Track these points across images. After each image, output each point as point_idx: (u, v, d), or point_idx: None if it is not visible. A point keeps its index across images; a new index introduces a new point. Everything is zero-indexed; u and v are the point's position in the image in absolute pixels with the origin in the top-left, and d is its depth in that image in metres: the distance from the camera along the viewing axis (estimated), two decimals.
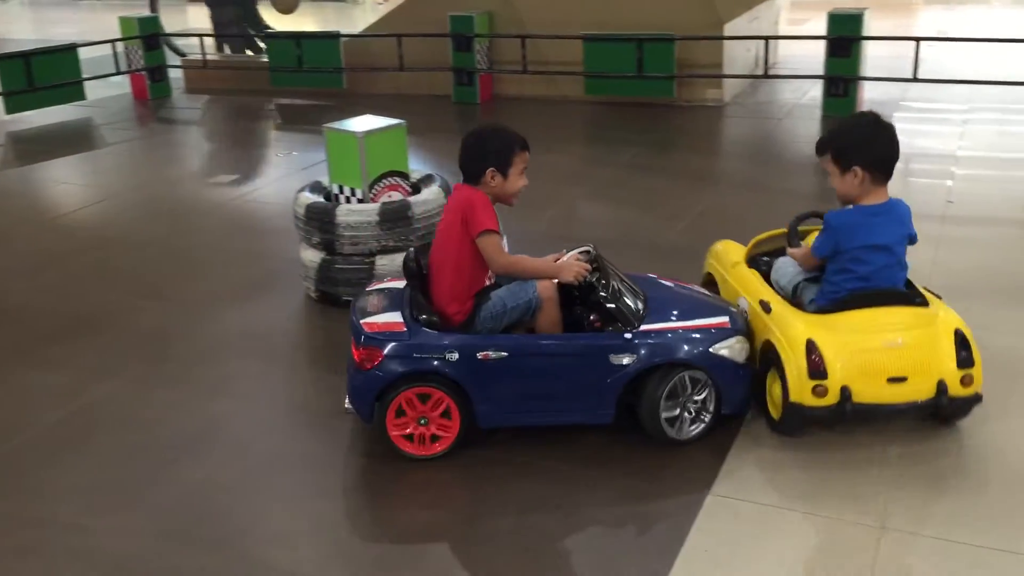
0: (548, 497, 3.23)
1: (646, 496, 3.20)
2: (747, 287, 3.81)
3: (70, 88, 9.67)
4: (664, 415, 3.40)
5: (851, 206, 3.51)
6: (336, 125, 4.80)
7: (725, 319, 3.53)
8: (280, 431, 3.72)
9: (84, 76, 9.81)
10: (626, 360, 3.35)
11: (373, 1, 11.67)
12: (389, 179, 4.79)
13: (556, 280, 3.47)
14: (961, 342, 3.36)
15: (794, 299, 3.66)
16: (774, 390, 3.47)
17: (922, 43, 8.14)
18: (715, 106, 8.91)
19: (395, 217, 4.62)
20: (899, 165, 7.32)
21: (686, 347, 3.38)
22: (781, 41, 10.40)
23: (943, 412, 3.36)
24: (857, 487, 3.17)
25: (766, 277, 3.85)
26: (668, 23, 8.66)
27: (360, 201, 4.72)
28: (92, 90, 10.03)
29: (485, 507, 3.23)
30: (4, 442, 3.68)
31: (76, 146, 8.78)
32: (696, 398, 3.43)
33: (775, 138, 7.99)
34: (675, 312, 3.53)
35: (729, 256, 4.11)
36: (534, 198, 6.61)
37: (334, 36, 10.05)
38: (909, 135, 7.64)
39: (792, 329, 3.41)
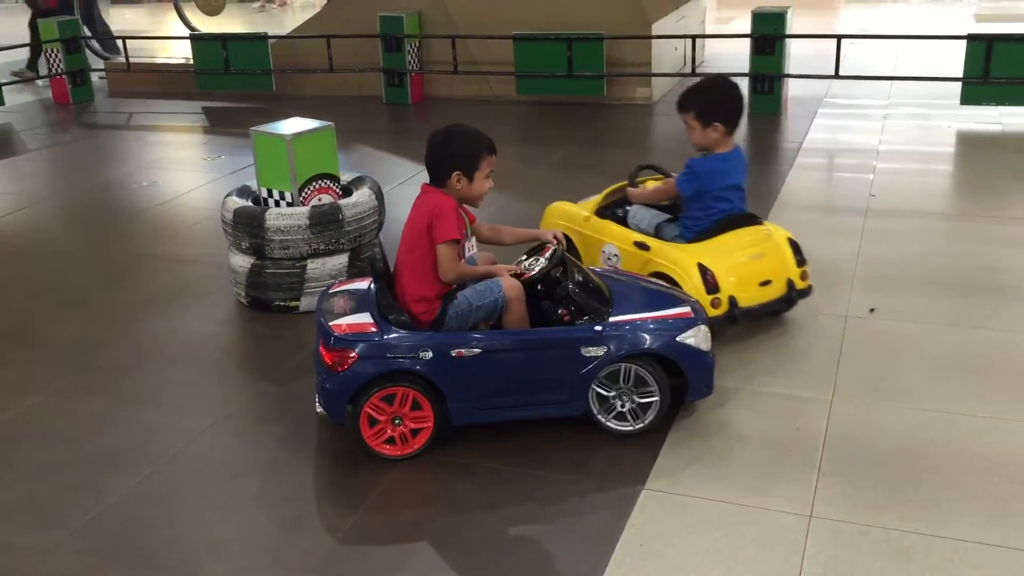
0: (483, 497, 3.24)
1: (580, 493, 3.22)
2: (611, 234, 4.38)
3: None
4: (598, 390, 3.46)
5: (708, 154, 4.18)
6: (264, 128, 4.73)
7: (687, 309, 3.62)
8: (210, 440, 3.66)
9: (1, 80, 9.52)
10: (599, 352, 3.40)
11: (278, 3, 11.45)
12: (319, 182, 4.74)
13: (522, 278, 3.54)
14: (795, 248, 4.22)
15: (656, 237, 4.29)
16: None
17: (843, 40, 8.33)
18: (644, 104, 9.01)
19: (326, 220, 4.58)
20: (823, 160, 7.52)
21: (654, 337, 3.46)
22: (708, 40, 10.55)
23: (793, 302, 4.20)
24: (786, 477, 3.23)
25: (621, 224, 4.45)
26: (597, 22, 8.73)
27: (289, 205, 4.66)
28: (10, 95, 9.74)
29: (422, 510, 3.22)
30: None
31: None
32: (637, 399, 3.48)
33: None
34: (638, 303, 3.61)
35: (577, 212, 4.60)
36: None
37: (262, 37, 9.91)
38: (832, 130, 7.84)
39: (682, 258, 4.05)
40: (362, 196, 4.77)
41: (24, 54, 10.05)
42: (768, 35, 8.25)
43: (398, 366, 3.33)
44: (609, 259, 4.31)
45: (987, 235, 5.39)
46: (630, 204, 4.52)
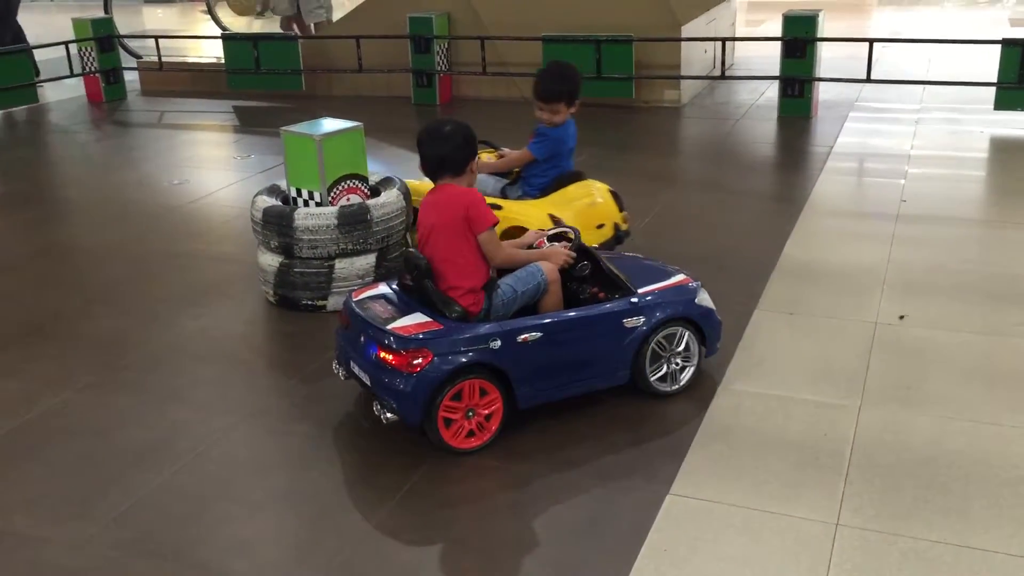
0: (508, 499, 3.24)
1: (606, 497, 3.22)
2: None
3: (23, 90, 9.51)
4: (652, 378, 3.74)
5: (553, 125, 4.75)
6: (293, 128, 4.76)
7: (683, 276, 3.94)
8: (238, 437, 3.69)
9: (37, 79, 9.66)
10: (638, 322, 3.65)
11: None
12: (347, 182, 4.76)
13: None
14: (616, 197, 4.89)
15: (502, 199, 4.85)
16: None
17: (876, 44, 8.26)
18: (673, 107, 8.98)
19: (354, 220, 4.60)
20: (854, 165, 7.45)
21: (679, 303, 3.78)
22: (738, 43, 10.50)
23: (620, 241, 4.82)
24: (813, 485, 3.21)
25: None
26: (626, 25, 8.71)
27: (318, 204, 4.69)
28: (45, 92, 9.87)
29: (448, 511, 3.22)
30: None
31: (29, 149, 8.63)
32: (678, 350, 3.78)
33: (732, 139, 8.07)
34: (647, 277, 3.86)
35: (427, 187, 4.92)
36: None
37: (292, 38, 9.97)
38: (863, 135, 7.77)
39: (534, 211, 4.62)
40: (390, 197, 4.79)
41: (53, 53, 10.18)
42: (799, 38, 8.20)
43: (471, 358, 3.39)
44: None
45: (1020, 242, 5.32)
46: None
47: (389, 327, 3.44)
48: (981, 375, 3.88)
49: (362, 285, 4.42)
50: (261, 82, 9.99)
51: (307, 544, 3.06)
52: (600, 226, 4.73)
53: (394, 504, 3.23)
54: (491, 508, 3.21)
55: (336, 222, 4.57)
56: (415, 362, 3.33)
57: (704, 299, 3.88)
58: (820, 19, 8.26)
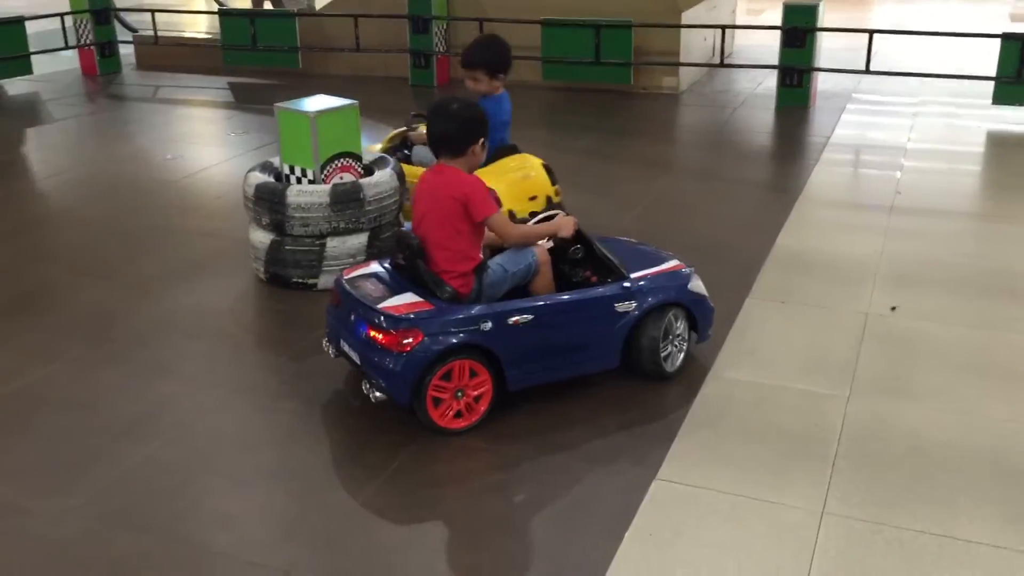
0: (495, 480, 3.24)
1: (592, 481, 3.21)
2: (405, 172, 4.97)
3: (17, 62, 9.43)
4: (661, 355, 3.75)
5: (488, 96, 4.81)
6: (288, 105, 4.73)
7: (676, 262, 3.95)
8: (224, 413, 3.67)
9: (32, 50, 9.58)
10: (629, 306, 3.64)
11: None
12: (341, 160, 4.73)
13: (547, 244, 3.75)
14: (549, 171, 4.89)
15: None
16: None
17: (875, 36, 8.23)
18: (671, 94, 8.94)
19: (346, 199, 4.58)
20: (850, 156, 7.43)
21: (672, 289, 3.78)
22: (738, 31, 10.46)
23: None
24: (800, 473, 3.21)
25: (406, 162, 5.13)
26: (626, 10, 8.66)
27: (311, 182, 4.66)
28: (40, 64, 9.79)
29: (435, 490, 3.22)
30: None
31: (22, 121, 8.57)
32: (678, 332, 3.81)
33: (729, 127, 8.05)
34: (639, 261, 3.86)
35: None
36: None
37: (289, 15, 9.91)
38: (860, 127, 7.76)
39: None
40: (383, 176, 4.76)
41: (48, 25, 10.08)
42: (799, 28, 8.17)
43: (461, 340, 3.37)
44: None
45: (1015, 237, 5.32)
46: (409, 148, 5.27)
47: (380, 306, 3.42)
48: (972, 368, 3.88)
49: (353, 264, 4.40)
50: (257, 59, 9.93)
51: (293, 520, 3.05)
52: (533, 198, 4.78)
53: (381, 482, 3.22)
54: (478, 488, 3.20)
55: (328, 200, 4.55)
56: (405, 342, 3.31)
57: (697, 285, 3.88)
58: (820, 9, 8.23)
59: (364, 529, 3.00)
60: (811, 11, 8.15)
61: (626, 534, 2.92)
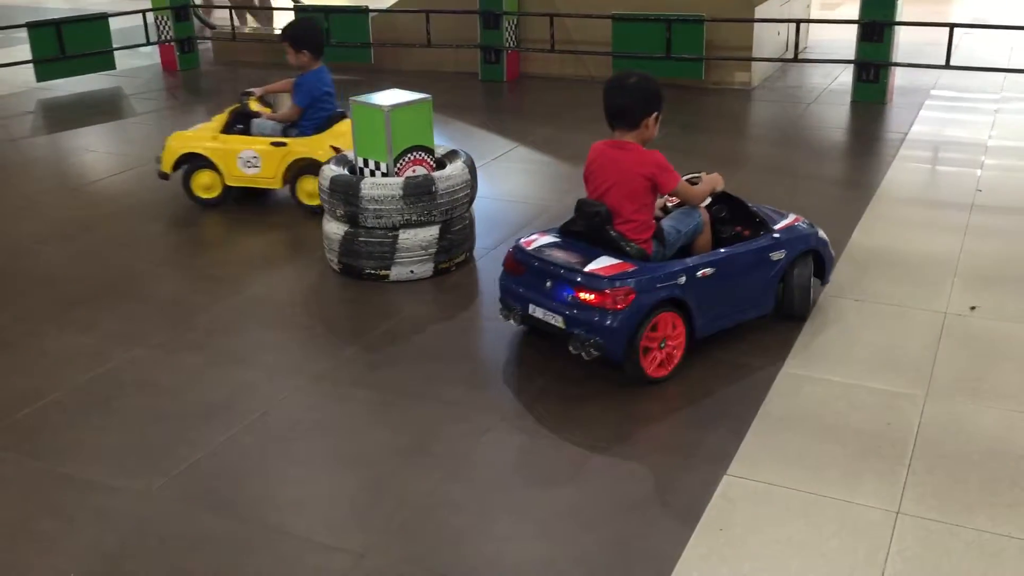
0: (566, 470, 3.26)
1: (663, 474, 3.22)
2: (245, 143, 5.71)
3: (100, 57, 9.73)
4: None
5: (305, 72, 5.69)
6: (362, 98, 4.80)
7: (794, 215, 4.27)
8: (300, 400, 3.75)
9: (115, 46, 9.87)
10: (781, 255, 4.01)
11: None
12: (414, 153, 4.79)
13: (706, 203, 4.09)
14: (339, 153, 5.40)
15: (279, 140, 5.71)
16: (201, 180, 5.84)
17: (956, 30, 8.02)
18: (743, 89, 8.84)
19: (419, 192, 4.63)
20: (928, 153, 7.24)
21: (808, 236, 4.18)
22: (812, 25, 10.29)
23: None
24: (874, 472, 3.17)
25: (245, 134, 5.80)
26: (698, 4, 8.59)
27: (384, 175, 4.73)
28: (122, 60, 10.08)
29: (505, 479, 3.25)
30: (33, 402, 3.74)
31: (105, 115, 8.83)
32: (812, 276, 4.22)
33: (802, 123, 7.93)
34: (772, 217, 4.19)
35: (202, 135, 5.85)
36: (564, 175, 6.62)
37: (363, 11, 10.03)
38: (939, 123, 7.57)
39: (318, 144, 5.59)
40: (455, 169, 4.81)
41: (130, 21, 10.37)
42: (877, 21, 8.00)
43: (665, 294, 3.65)
44: (248, 162, 5.67)
45: None
46: (244, 122, 5.83)
47: (588, 269, 3.67)
48: None
49: (434, 253, 4.58)
50: (331, 54, 9.92)
51: (366, 506, 3.12)
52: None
53: (451, 471, 3.26)
54: (548, 479, 3.22)
55: (401, 193, 4.61)
56: (622, 299, 3.57)
57: (823, 234, 4.25)
58: (899, 2, 8.05)
59: (435, 516, 3.05)
60: (890, 4, 7.97)
61: (696, 528, 2.92)
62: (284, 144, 5.61)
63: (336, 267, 4.87)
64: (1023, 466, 3.18)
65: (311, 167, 5.56)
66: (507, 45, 9.40)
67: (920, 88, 8.48)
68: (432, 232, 4.72)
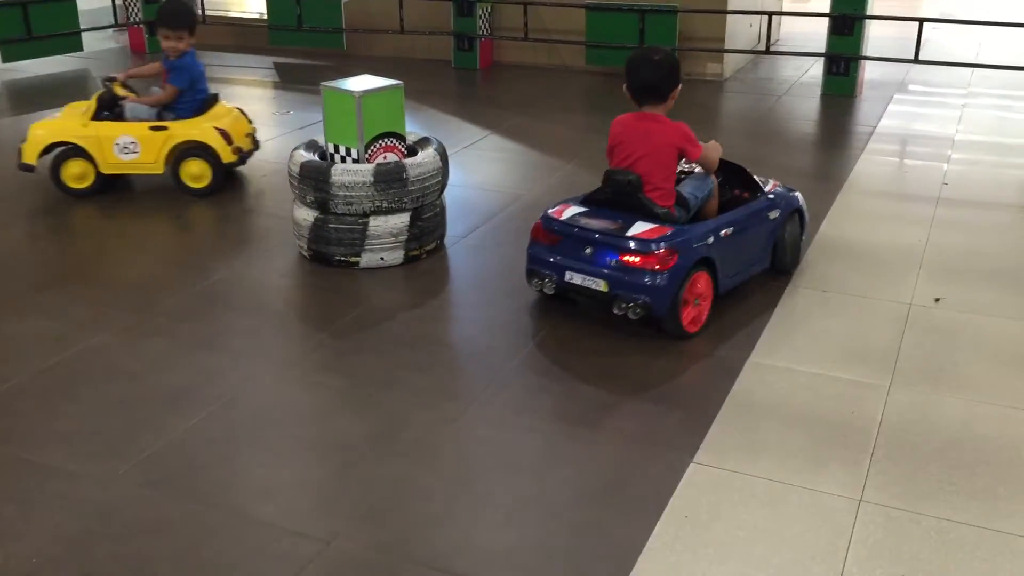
0: (533, 458, 3.27)
1: (629, 462, 3.23)
2: (121, 129, 5.63)
3: (68, 38, 9.58)
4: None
5: (180, 56, 5.69)
6: (334, 84, 4.77)
7: (773, 181, 4.61)
8: (268, 386, 3.74)
9: (82, 27, 9.72)
10: (777, 214, 4.41)
11: None
12: (385, 140, 4.77)
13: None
14: (245, 114, 6.05)
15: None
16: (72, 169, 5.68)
17: (925, 24, 8.10)
18: (715, 80, 8.88)
19: (390, 178, 4.61)
20: (896, 146, 7.31)
21: (793, 198, 4.59)
22: (784, 18, 10.34)
23: (258, 144, 6.14)
24: (838, 460, 3.20)
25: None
26: None
27: (355, 161, 4.70)
28: (89, 42, 9.94)
29: (470, 466, 3.25)
30: None
31: (72, 97, 8.67)
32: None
33: (773, 115, 7.97)
34: (761, 180, 4.56)
35: (70, 124, 5.70)
36: (537, 164, 6.61)
37: None
38: (908, 117, 7.65)
39: (201, 126, 5.67)
40: (427, 157, 4.79)
41: (98, 3, 10.22)
42: (848, 15, 8.06)
43: (700, 253, 3.96)
44: (125, 148, 5.62)
45: None
46: (111, 108, 5.72)
47: (630, 234, 3.92)
48: (1016, 361, 3.84)
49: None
50: (303, 39, 9.99)
51: (333, 492, 3.11)
52: (248, 135, 5.94)
53: (419, 458, 3.26)
54: (515, 466, 3.23)
55: (372, 179, 4.59)
56: (668, 260, 3.84)
57: (800, 195, 4.65)
58: None
59: (402, 503, 3.05)
60: None
61: (661, 516, 2.94)
62: (165, 128, 5.61)
63: (306, 253, 4.84)
64: (983, 455, 3.23)
65: (195, 150, 5.64)
66: (481, 33, 9.37)
67: (889, 82, 8.56)
68: (403, 219, 4.71)
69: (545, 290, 4.12)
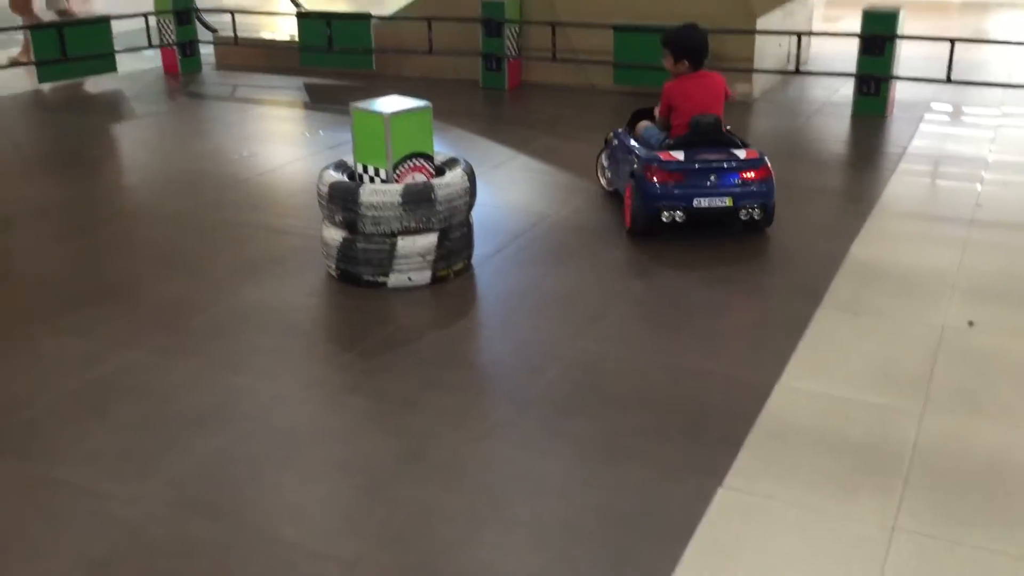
0: (559, 480, 3.24)
1: (657, 487, 3.20)
2: None
3: (102, 60, 9.74)
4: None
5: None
6: (363, 105, 4.80)
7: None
8: (294, 406, 3.74)
9: (116, 48, 9.88)
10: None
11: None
12: (413, 160, 4.78)
13: None
14: None
15: None
16: None
17: (957, 44, 8.04)
18: (744, 101, 8.84)
19: (418, 199, 4.62)
20: (928, 167, 7.23)
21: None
22: (814, 38, 10.30)
23: None
24: (871, 487, 3.15)
25: None
26: (700, 15, 8.51)
27: (384, 182, 4.72)
28: (123, 63, 10.09)
29: (497, 489, 3.23)
30: (26, 406, 3.72)
31: (105, 118, 8.83)
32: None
33: (803, 135, 7.93)
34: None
35: None
36: (564, 184, 6.61)
37: (365, 17, 10.05)
38: (939, 138, 7.57)
39: None
40: (455, 177, 4.80)
41: (132, 25, 10.38)
42: (878, 35, 8.01)
43: None
44: None
45: None
46: None
47: (743, 158, 5.11)
48: None
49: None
50: (333, 60, 10.08)
51: (360, 514, 3.10)
52: None
53: (446, 480, 3.25)
54: (544, 490, 3.20)
55: (400, 199, 4.60)
56: (770, 171, 5.14)
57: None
58: (901, 17, 8.06)
59: (429, 526, 3.03)
60: (891, 18, 7.99)
61: (690, 542, 2.90)
62: None
63: (334, 273, 4.86)
64: (1019, 483, 3.16)
65: None
66: (508, 53, 9.41)
67: (921, 102, 8.49)
68: (430, 239, 4.71)
69: (677, 219, 5.05)
